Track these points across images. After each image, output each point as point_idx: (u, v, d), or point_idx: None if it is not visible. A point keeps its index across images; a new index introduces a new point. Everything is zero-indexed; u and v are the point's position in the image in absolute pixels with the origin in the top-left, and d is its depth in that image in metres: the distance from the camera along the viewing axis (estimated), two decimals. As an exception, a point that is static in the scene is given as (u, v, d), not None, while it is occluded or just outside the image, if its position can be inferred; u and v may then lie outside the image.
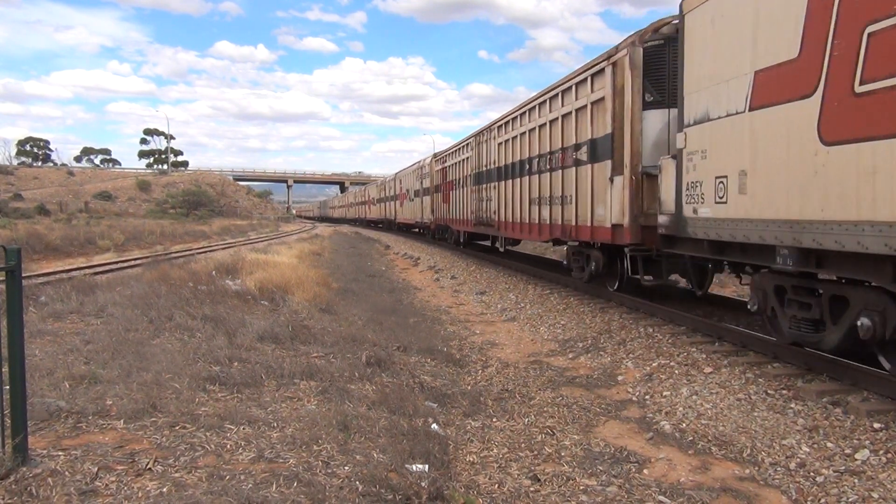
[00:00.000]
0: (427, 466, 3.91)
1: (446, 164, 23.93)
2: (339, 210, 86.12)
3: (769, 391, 5.69)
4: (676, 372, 6.57)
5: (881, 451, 4.34)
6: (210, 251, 23.55)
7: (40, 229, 30.48)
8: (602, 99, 9.62)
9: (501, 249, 18.21)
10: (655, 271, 9.18)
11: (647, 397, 6.05)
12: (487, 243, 21.92)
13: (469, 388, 6.41)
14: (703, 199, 7.00)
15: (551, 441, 4.97)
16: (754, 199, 6.08)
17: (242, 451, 3.92)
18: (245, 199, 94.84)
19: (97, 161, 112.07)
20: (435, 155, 27.26)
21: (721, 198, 6.63)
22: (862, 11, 4.75)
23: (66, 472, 3.45)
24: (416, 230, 35.85)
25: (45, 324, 7.67)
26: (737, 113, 6.31)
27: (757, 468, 4.39)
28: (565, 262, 12.84)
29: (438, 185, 25.66)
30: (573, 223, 10.91)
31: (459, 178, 21.34)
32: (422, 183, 29.69)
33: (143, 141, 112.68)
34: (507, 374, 7.06)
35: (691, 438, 4.97)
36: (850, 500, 3.83)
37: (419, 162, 31.57)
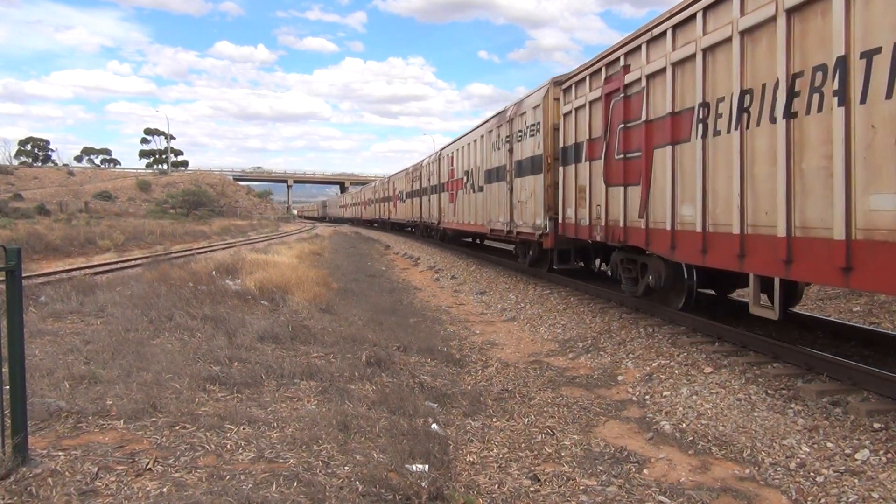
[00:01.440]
0: (427, 466, 3.91)
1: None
2: (350, 209, 70.68)
3: (769, 391, 5.69)
4: (676, 372, 6.57)
5: (881, 451, 4.34)
6: (210, 251, 23.55)
7: (40, 229, 30.49)
8: None
9: None
10: None
11: (647, 397, 6.05)
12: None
13: (469, 388, 6.41)
14: None
15: (551, 441, 4.97)
16: None
17: (242, 451, 3.92)
18: (245, 199, 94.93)
19: (97, 161, 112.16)
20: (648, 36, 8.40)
21: None
22: None
23: (66, 472, 3.45)
24: (485, 241, 22.70)
25: (45, 324, 7.67)
26: None
27: (757, 468, 4.39)
28: None
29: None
30: None
31: None
32: (535, 143, 12.64)
33: (144, 141, 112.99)
34: (507, 374, 7.06)
35: (691, 438, 4.97)
36: (850, 500, 3.83)
37: (532, 93, 13.19)
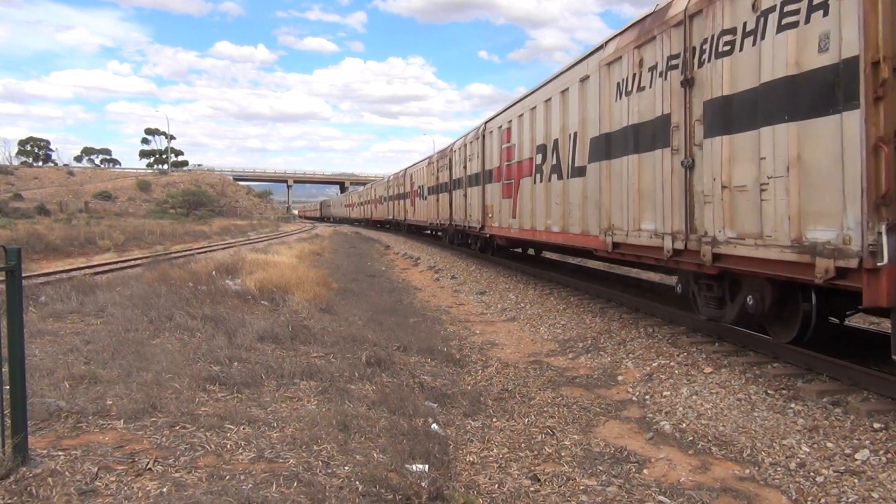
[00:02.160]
0: (427, 466, 3.91)
1: None
2: (357, 208, 61.60)
3: (769, 391, 5.69)
4: (676, 372, 6.57)
5: (881, 451, 4.34)
6: (210, 251, 23.55)
7: (40, 229, 30.49)
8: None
9: None
10: None
11: (647, 397, 6.05)
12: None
13: (469, 388, 6.41)
14: None
15: (551, 441, 4.97)
16: None
17: (242, 451, 3.92)
18: (245, 199, 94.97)
19: (97, 161, 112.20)
20: None
21: None
22: None
23: (66, 472, 3.44)
24: None
25: (45, 324, 7.66)
26: None
27: (757, 468, 4.39)
28: None
29: None
30: None
31: None
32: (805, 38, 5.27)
33: (145, 141, 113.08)
34: (507, 374, 7.06)
35: (691, 438, 4.97)
36: (850, 500, 3.83)
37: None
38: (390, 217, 40.15)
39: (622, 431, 5.24)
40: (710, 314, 7.46)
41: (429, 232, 30.47)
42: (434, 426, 4.81)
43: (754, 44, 5.98)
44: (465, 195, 19.43)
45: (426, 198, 27.22)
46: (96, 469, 3.51)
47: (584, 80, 9.94)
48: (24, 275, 4.80)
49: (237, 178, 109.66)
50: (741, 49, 6.18)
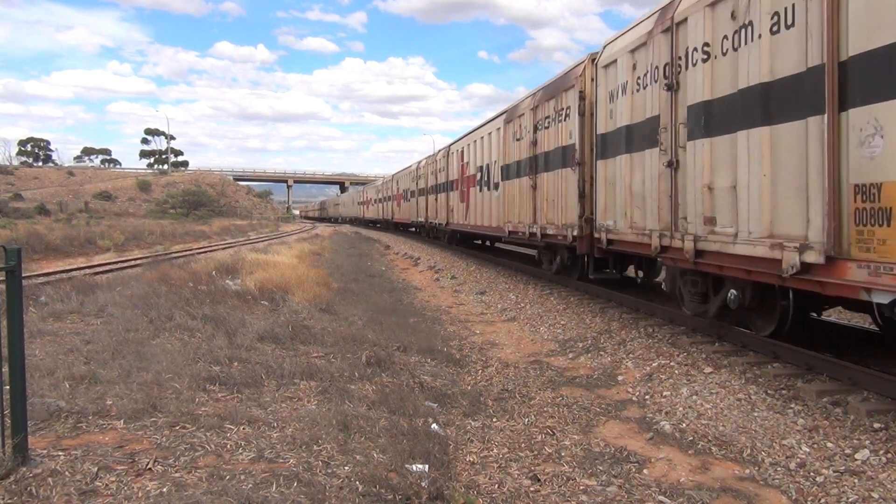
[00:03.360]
0: (427, 466, 3.91)
1: None
2: (374, 207, 49.78)
3: (769, 391, 5.69)
4: (676, 372, 6.57)
5: (881, 451, 4.34)
6: (210, 251, 23.56)
7: (40, 229, 30.49)
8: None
9: None
10: None
11: (647, 397, 6.04)
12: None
13: (469, 388, 6.40)
14: None
15: (551, 441, 4.97)
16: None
17: (242, 451, 3.92)
18: (245, 200, 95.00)
19: (97, 161, 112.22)
20: None
21: None
22: None
23: (66, 472, 3.44)
24: None
25: (45, 324, 7.66)
26: None
27: (757, 468, 4.39)
28: None
29: None
30: None
31: None
32: None
33: (145, 141, 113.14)
34: (507, 374, 7.05)
35: (691, 438, 4.97)
36: (850, 500, 3.83)
37: None
38: (420, 219, 28.79)
39: (622, 431, 5.24)
40: None
41: (479, 242, 21.20)
42: (434, 426, 4.81)
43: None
44: (675, 164, 7.40)
45: (495, 186, 15.86)
46: (96, 469, 3.51)
47: None
48: (24, 275, 4.80)
49: (237, 178, 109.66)
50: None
